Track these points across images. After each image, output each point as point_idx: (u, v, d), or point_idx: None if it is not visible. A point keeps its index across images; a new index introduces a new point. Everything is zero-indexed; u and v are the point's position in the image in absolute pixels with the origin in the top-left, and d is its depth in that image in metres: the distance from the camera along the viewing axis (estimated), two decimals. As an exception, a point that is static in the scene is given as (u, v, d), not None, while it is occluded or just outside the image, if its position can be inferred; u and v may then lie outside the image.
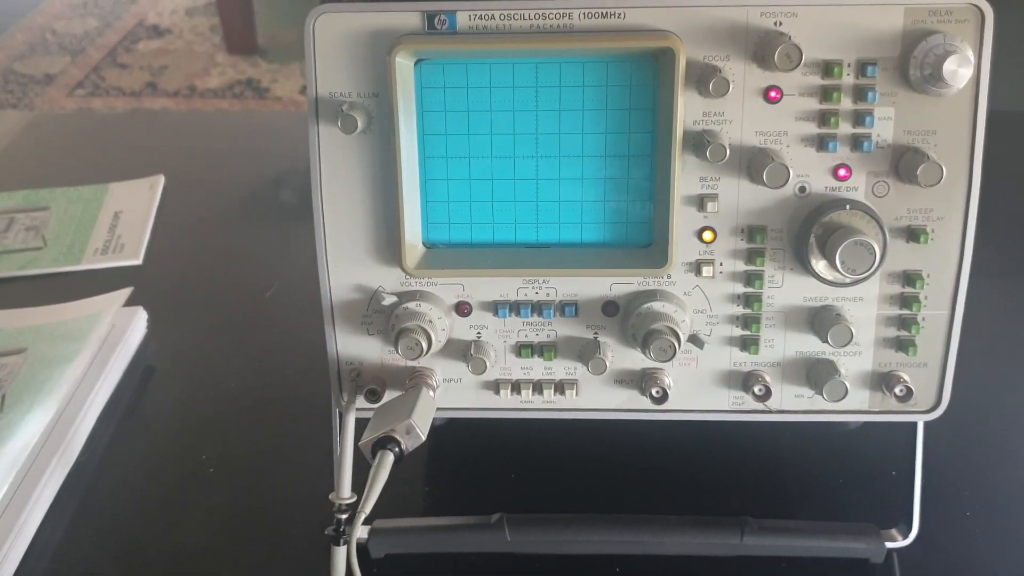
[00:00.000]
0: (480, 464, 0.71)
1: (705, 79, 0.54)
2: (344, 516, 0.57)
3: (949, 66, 0.52)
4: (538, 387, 0.61)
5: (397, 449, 0.53)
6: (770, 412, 0.61)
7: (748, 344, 0.60)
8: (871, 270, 0.55)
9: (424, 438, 0.55)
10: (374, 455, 0.53)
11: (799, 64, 0.53)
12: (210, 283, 0.95)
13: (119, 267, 0.96)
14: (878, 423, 0.62)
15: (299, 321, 0.86)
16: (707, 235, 0.58)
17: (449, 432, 0.70)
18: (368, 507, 0.52)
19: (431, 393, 0.59)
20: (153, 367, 0.83)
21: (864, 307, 0.59)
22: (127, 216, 1.03)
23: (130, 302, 0.87)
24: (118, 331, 0.83)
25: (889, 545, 0.62)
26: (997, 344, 0.81)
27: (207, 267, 0.97)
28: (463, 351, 0.60)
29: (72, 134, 1.29)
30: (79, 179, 1.10)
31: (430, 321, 0.58)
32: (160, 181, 1.09)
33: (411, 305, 0.59)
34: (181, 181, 1.10)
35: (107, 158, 1.18)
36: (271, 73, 2.97)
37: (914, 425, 0.62)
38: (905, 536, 0.62)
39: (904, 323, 0.59)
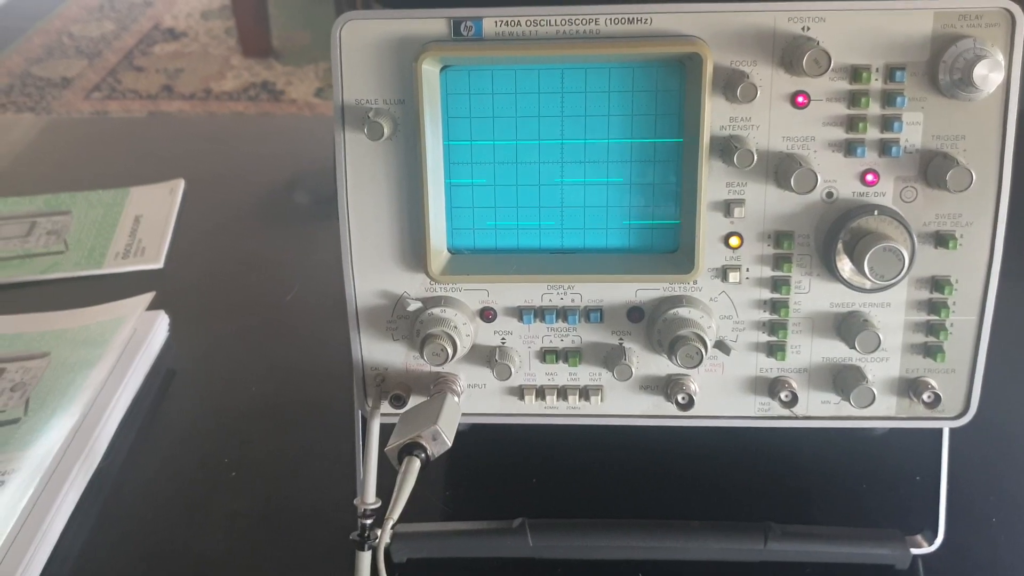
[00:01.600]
0: (502, 468, 0.70)
1: (732, 84, 0.54)
2: (369, 521, 0.57)
3: (980, 71, 0.52)
4: (563, 393, 0.61)
5: (424, 455, 0.53)
6: (797, 418, 0.61)
7: (775, 350, 0.59)
8: (900, 276, 0.54)
9: (450, 444, 0.55)
10: (400, 461, 0.53)
11: (828, 69, 0.53)
12: (231, 286, 0.95)
13: (140, 271, 0.96)
14: (902, 428, 0.61)
15: (320, 324, 0.86)
16: (734, 240, 0.57)
17: (471, 436, 0.70)
18: (396, 513, 0.52)
19: (456, 399, 0.59)
20: (174, 370, 0.83)
21: (892, 313, 0.58)
22: (147, 220, 1.04)
23: (152, 306, 0.87)
24: (140, 335, 0.83)
25: (914, 551, 0.62)
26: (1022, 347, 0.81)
27: (227, 270, 0.97)
28: (488, 357, 0.60)
29: (90, 138, 1.30)
30: (99, 183, 1.11)
31: (455, 327, 0.58)
32: (180, 185, 1.09)
33: (436, 311, 0.58)
34: (200, 184, 1.10)
35: (126, 162, 1.18)
36: (286, 75, 2.98)
37: (939, 430, 0.61)
38: (930, 542, 0.62)
39: (932, 329, 0.58)
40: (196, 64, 3.06)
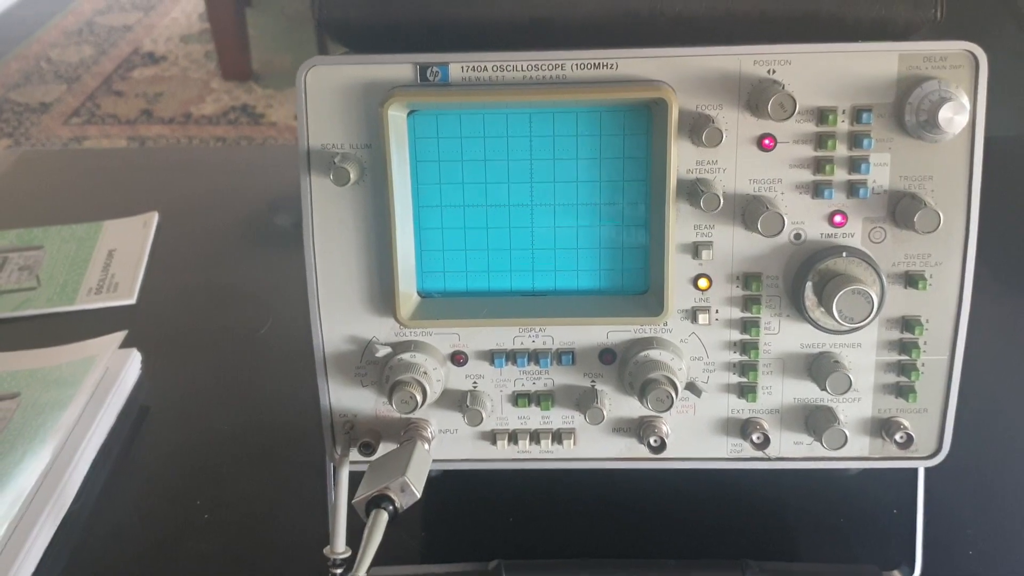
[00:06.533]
0: (478, 509, 0.70)
1: (698, 129, 0.53)
2: (339, 571, 0.56)
3: (944, 113, 0.52)
4: (535, 437, 0.61)
5: (391, 507, 0.52)
6: (769, 460, 0.61)
7: (746, 391, 0.59)
8: (869, 319, 0.54)
9: (419, 495, 0.54)
10: (368, 513, 0.52)
11: (793, 113, 0.53)
12: (204, 320, 0.94)
13: (113, 307, 0.95)
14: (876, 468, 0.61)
15: (294, 357, 0.85)
16: (702, 282, 0.57)
17: (447, 476, 0.70)
18: (363, 569, 0.52)
19: (426, 447, 0.58)
20: (148, 407, 0.83)
21: (863, 353, 0.58)
22: (121, 254, 1.03)
23: (125, 343, 0.86)
24: (112, 374, 0.83)
25: (891, 587, 0.62)
26: (1000, 373, 0.81)
27: (201, 304, 0.97)
28: (459, 401, 0.60)
29: (65, 170, 1.29)
30: (73, 217, 1.10)
31: (425, 372, 0.58)
32: (154, 218, 1.08)
33: (406, 356, 0.58)
34: (175, 216, 1.10)
35: (101, 194, 1.17)
36: (266, 99, 2.98)
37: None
38: (908, 578, 0.62)
39: (903, 369, 0.58)
40: (176, 88, 3.06)
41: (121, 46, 3.37)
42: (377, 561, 0.60)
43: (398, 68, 0.55)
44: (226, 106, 2.93)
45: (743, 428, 0.60)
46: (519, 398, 0.60)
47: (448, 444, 0.61)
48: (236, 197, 1.16)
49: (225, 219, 1.11)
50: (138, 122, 2.87)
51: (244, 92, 3.01)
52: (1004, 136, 1.20)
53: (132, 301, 0.96)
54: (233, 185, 1.19)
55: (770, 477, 0.69)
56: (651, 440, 0.59)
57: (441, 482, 0.70)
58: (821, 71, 0.54)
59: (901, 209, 0.55)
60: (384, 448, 0.60)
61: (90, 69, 3.21)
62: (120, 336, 0.86)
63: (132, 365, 0.84)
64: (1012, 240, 1.00)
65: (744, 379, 0.59)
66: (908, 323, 0.57)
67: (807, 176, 0.55)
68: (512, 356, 0.59)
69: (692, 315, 0.58)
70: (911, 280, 0.56)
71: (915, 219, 0.54)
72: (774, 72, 0.54)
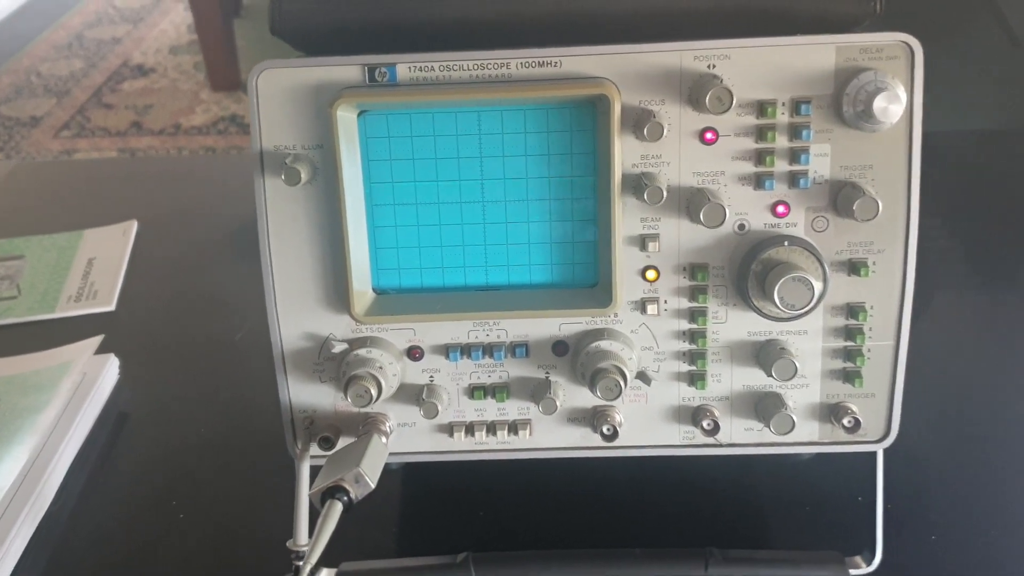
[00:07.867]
0: (446, 502, 0.71)
1: (641, 123, 0.55)
2: (301, 563, 0.57)
3: (879, 103, 0.54)
4: (492, 428, 0.62)
5: (346, 498, 0.54)
6: (720, 446, 0.62)
7: (695, 379, 0.60)
8: (810, 306, 0.55)
9: (373, 486, 0.55)
10: (323, 504, 0.54)
11: (731, 107, 0.54)
12: (182, 326, 0.95)
13: (92, 314, 0.96)
14: (826, 453, 0.62)
15: (270, 363, 0.86)
16: (650, 274, 0.59)
17: (415, 471, 0.71)
18: (314, 557, 0.53)
19: (383, 439, 0.60)
20: (126, 413, 0.84)
21: (809, 340, 0.59)
22: (100, 262, 1.04)
23: (103, 349, 0.87)
24: (89, 379, 0.84)
25: (853, 573, 0.62)
26: (957, 359, 0.82)
27: (179, 310, 0.98)
28: (416, 395, 0.61)
29: (52, 181, 1.30)
30: (59, 227, 1.11)
31: (380, 367, 0.59)
32: (133, 226, 1.09)
33: (361, 352, 0.59)
34: (156, 225, 1.11)
35: (87, 205, 1.18)
36: (256, 108, 2.99)
37: (875, 452, 0.62)
38: (869, 563, 0.62)
39: (850, 355, 0.60)
40: (165, 100, 3.07)
41: (110, 59, 3.39)
42: (347, 556, 0.61)
43: (347, 70, 0.56)
44: (216, 116, 2.95)
45: (694, 415, 0.61)
46: (475, 391, 0.61)
47: (406, 437, 0.62)
48: (218, 205, 1.17)
49: (206, 227, 1.12)
50: (128, 134, 2.88)
51: (233, 102, 3.02)
52: (996, 130, 1.21)
53: (111, 308, 0.97)
54: (217, 194, 1.20)
55: (734, 466, 0.70)
56: (604, 429, 0.60)
57: (409, 476, 0.71)
58: (760, 65, 0.55)
59: (842, 198, 0.56)
60: (344, 442, 0.61)
61: (80, 82, 3.23)
62: (96, 341, 0.88)
63: (110, 371, 0.85)
64: (995, 233, 1.00)
65: (694, 367, 0.60)
66: (853, 310, 0.59)
67: (749, 168, 0.57)
68: (467, 350, 0.60)
69: (641, 306, 0.59)
70: (854, 267, 0.58)
71: (855, 207, 0.55)
72: (714, 67, 0.55)
